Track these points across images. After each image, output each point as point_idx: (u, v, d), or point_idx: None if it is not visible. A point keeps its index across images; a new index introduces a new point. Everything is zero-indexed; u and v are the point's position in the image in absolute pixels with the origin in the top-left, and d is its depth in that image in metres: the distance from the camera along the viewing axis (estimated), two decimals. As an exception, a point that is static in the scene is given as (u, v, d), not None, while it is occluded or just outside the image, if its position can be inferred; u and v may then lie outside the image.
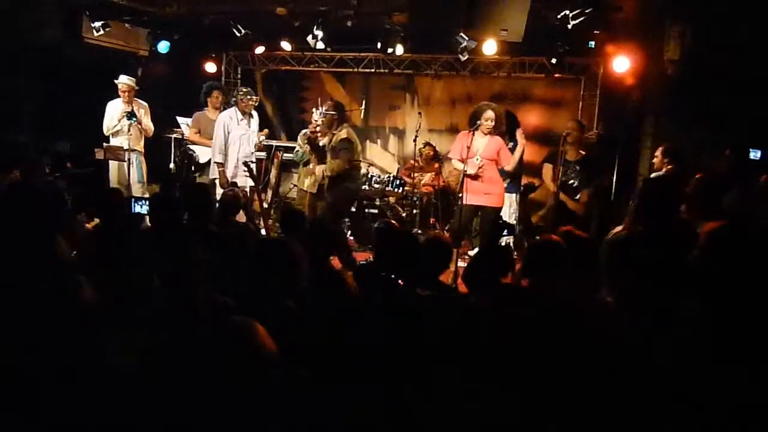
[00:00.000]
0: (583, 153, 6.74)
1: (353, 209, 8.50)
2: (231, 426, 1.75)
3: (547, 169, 6.76)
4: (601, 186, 6.90)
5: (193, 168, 7.89)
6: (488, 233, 6.28)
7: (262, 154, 8.04)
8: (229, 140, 7.09)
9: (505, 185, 6.67)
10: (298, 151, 7.79)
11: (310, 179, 7.17)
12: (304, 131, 7.45)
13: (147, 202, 4.82)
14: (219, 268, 3.05)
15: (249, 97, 7.18)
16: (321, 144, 6.75)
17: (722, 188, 4.11)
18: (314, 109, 6.87)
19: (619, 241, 3.33)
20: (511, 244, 7.49)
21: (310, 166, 7.16)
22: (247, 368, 1.81)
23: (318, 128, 6.68)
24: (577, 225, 4.71)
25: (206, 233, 4.08)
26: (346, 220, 8.46)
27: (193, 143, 7.87)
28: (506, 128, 6.49)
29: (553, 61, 8.03)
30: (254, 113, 7.43)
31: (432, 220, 8.33)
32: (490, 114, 6.10)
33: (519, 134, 6.30)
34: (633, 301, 2.27)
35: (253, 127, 7.32)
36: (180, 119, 8.39)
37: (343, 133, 6.53)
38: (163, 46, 8.67)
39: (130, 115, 7.34)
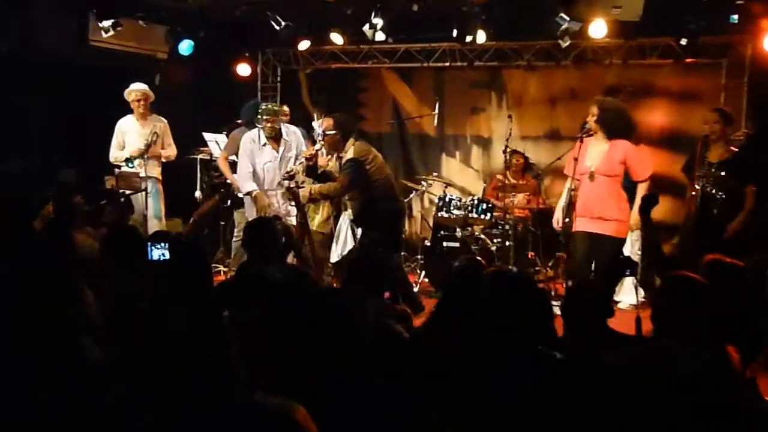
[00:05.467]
0: (733, 149, 6.41)
1: (427, 243, 8.33)
2: None
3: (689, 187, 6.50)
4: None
5: (229, 202, 7.75)
6: (603, 271, 5.99)
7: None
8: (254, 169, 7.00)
9: None
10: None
11: (319, 216, 6.91)
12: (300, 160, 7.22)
13: (167, 245, 4.78)
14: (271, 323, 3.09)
15: (267, 117, 6.94)
16: (321, 171, 6.56)
17: None
18: (315, 125, 6.65)
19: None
20: (636, 283, 7.21)
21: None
22: None
23: (317, 154, 6.52)
24: (730, 250, 4.43)
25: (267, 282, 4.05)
26: (419, 257, 8.29)
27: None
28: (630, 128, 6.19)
29: (683, 42, 7.83)
30: (291, 131, 7.22)
31: (531, 254, 8.10)
32: (592, 109, 5.91)
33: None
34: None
35: (285, 152, 7.09)
36: (207, 136, 8.40)
37: (349, 153, 6.39)
38: (186, 47, 8.69)
39: (129, 161, 7.55)
